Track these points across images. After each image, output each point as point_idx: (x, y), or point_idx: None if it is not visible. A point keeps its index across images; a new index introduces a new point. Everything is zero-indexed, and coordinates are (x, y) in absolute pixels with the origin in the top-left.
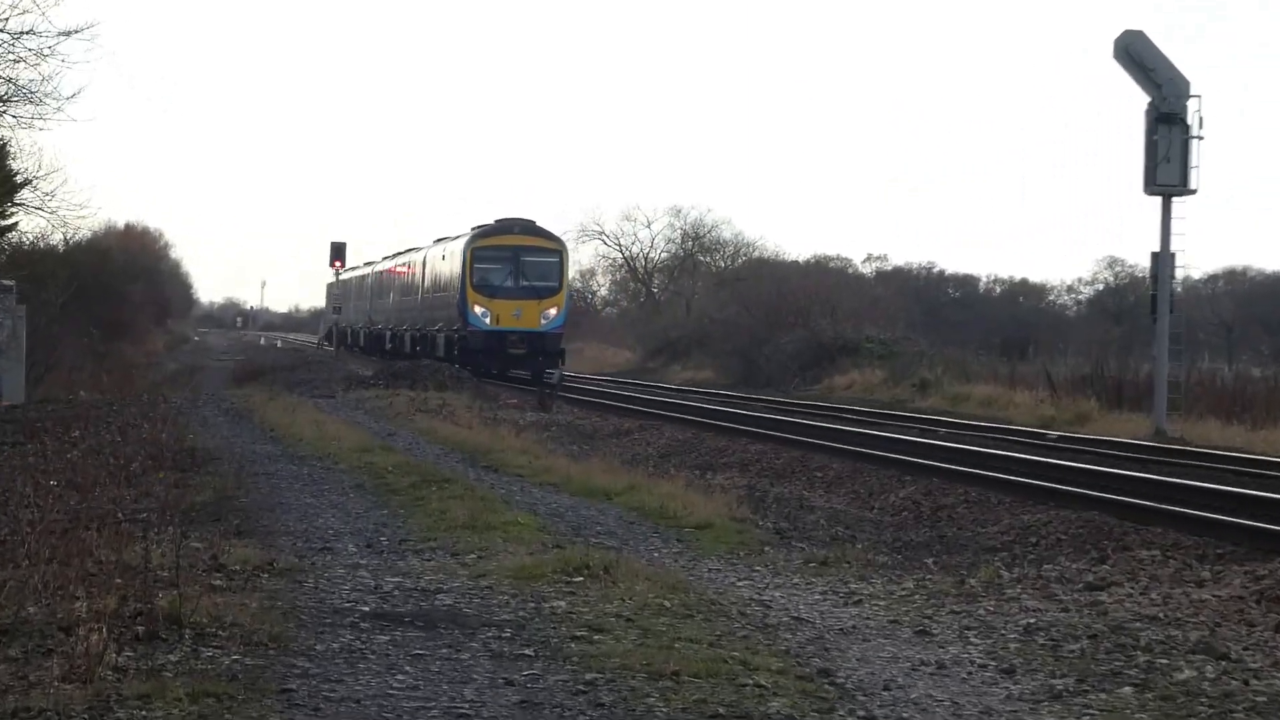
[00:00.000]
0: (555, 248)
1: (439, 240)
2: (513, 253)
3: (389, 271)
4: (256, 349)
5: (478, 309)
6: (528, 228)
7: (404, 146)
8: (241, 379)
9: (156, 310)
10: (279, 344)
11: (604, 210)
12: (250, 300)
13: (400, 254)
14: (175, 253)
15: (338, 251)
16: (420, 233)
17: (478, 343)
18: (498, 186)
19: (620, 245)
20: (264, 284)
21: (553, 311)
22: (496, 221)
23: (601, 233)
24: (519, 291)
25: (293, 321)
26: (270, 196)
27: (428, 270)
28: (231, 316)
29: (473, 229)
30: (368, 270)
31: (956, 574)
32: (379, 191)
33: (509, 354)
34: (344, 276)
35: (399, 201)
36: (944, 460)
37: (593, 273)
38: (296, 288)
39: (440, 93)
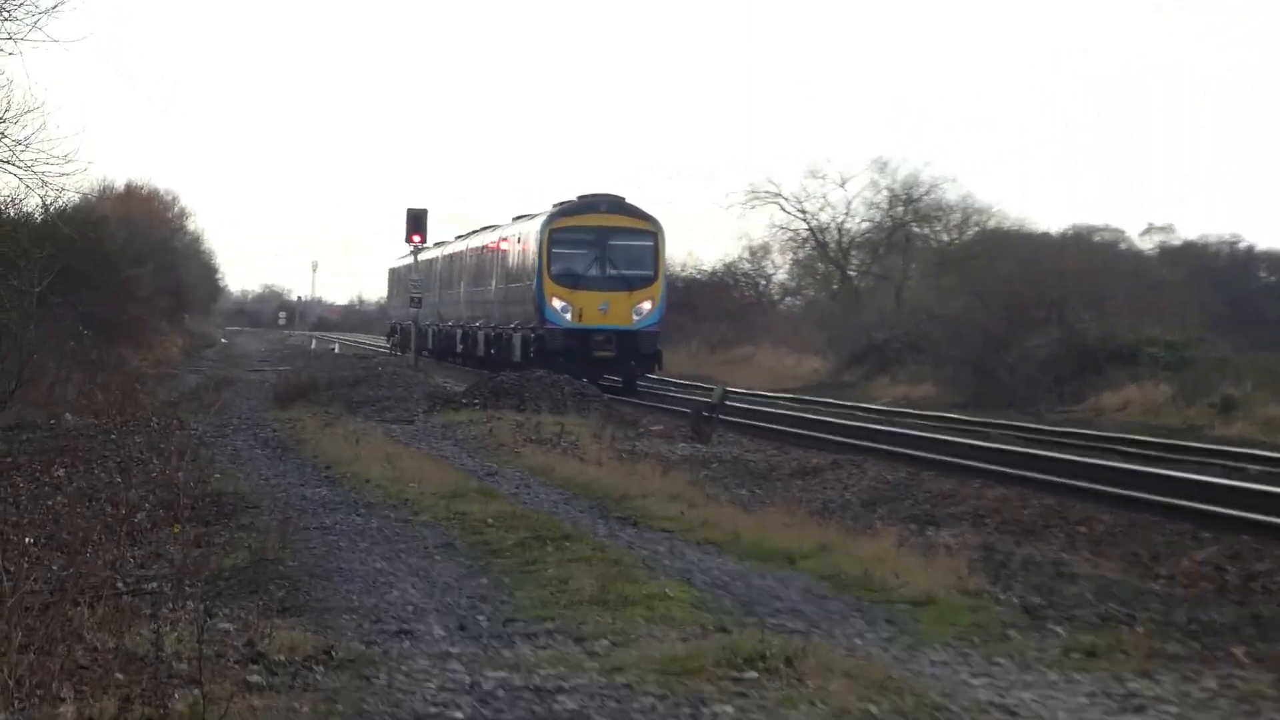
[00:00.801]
0: (648, 228)
1: (517, 218)
2: (598, 235)
3: (459, 255)
4: (306, 355)
5: (556, 303)
6: (616, 205)
7: (484, 102)
8: (286, 397)
9: (170, 303)
10: (335, 348)
11: (782, 167)
12: (297, 289)
13: (473, 233)
14: (194, 224)
15: (416, 221)
16: (506, 207)
17: (556, 343)
18: (622, 139)
19: (804, 212)
20: (315, 267)
21: (646, 305)
22: (579, 198)
23: (778, 195)
24: (606, 282)
25: (355, 317)
26: (323, 155)
27: (503, 255)
28: (272, 311)
29: (553, 206)
30: (436, 253)
31: (1278, 669)
32: (457, 156)
33: (594, 356)
34: (406, 260)
35: (481, 170)
36: (1258, 510)
37: (765, 250)
38: (360, 272)
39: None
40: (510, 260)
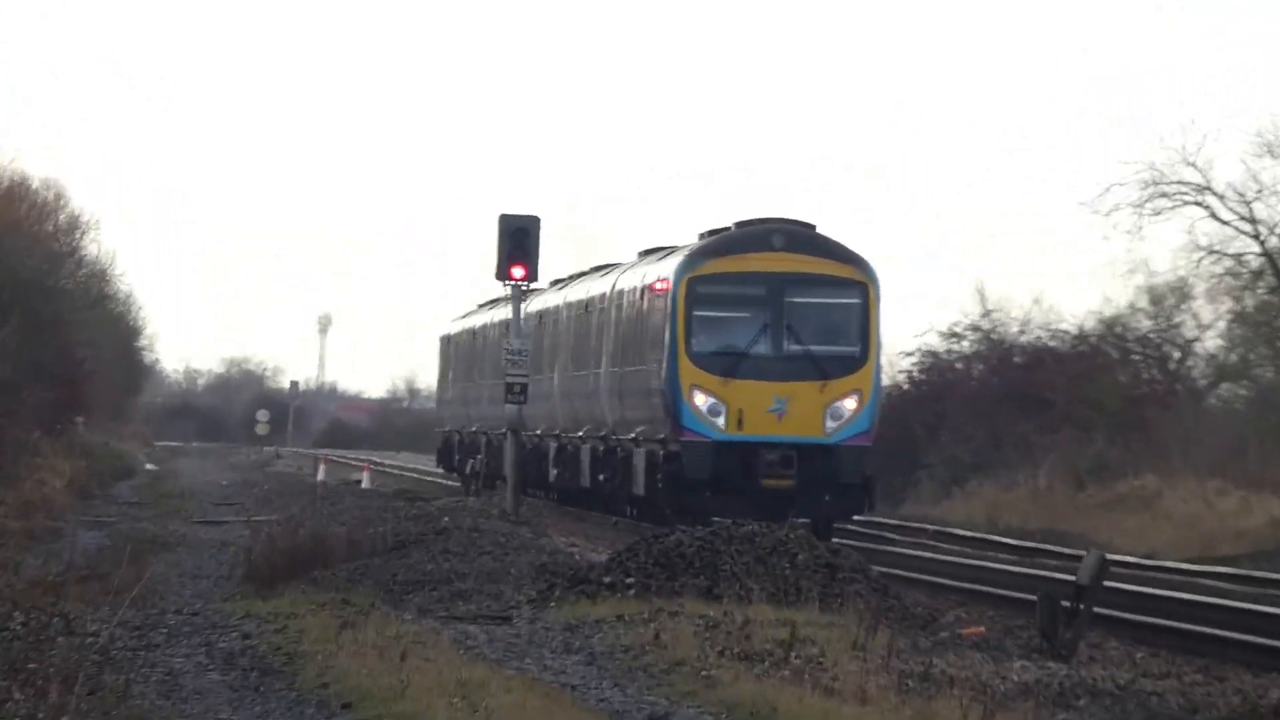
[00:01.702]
0: (854, 276)
1: (644, 254)
2: (769, 288)
3: (549, 315)
4: (307, 494)
5: (700, 399)
6: (798, 239)
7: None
8: (270, 574)
9: (50, 396)
10: (363, 482)
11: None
12: (292, 369)
13: (572, 280)
14: (103, 252)
15: (520, 239)
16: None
17: (698, 466)
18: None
19: (1253, 222)
20: (325, 325)
21: (850, 404)
22: (737, 226)
23: (1204, 188)
24: (783, 365)
25: (402, 419)
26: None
27: (616, 318)
28: (245, 409)
29: (698, 238)
30: (505, 311)
31: None
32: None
33: (761, 487)
34: (480, 318)
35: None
36: None
37: (1182, 292)
38: (402, 340)
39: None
40: (625, 327)
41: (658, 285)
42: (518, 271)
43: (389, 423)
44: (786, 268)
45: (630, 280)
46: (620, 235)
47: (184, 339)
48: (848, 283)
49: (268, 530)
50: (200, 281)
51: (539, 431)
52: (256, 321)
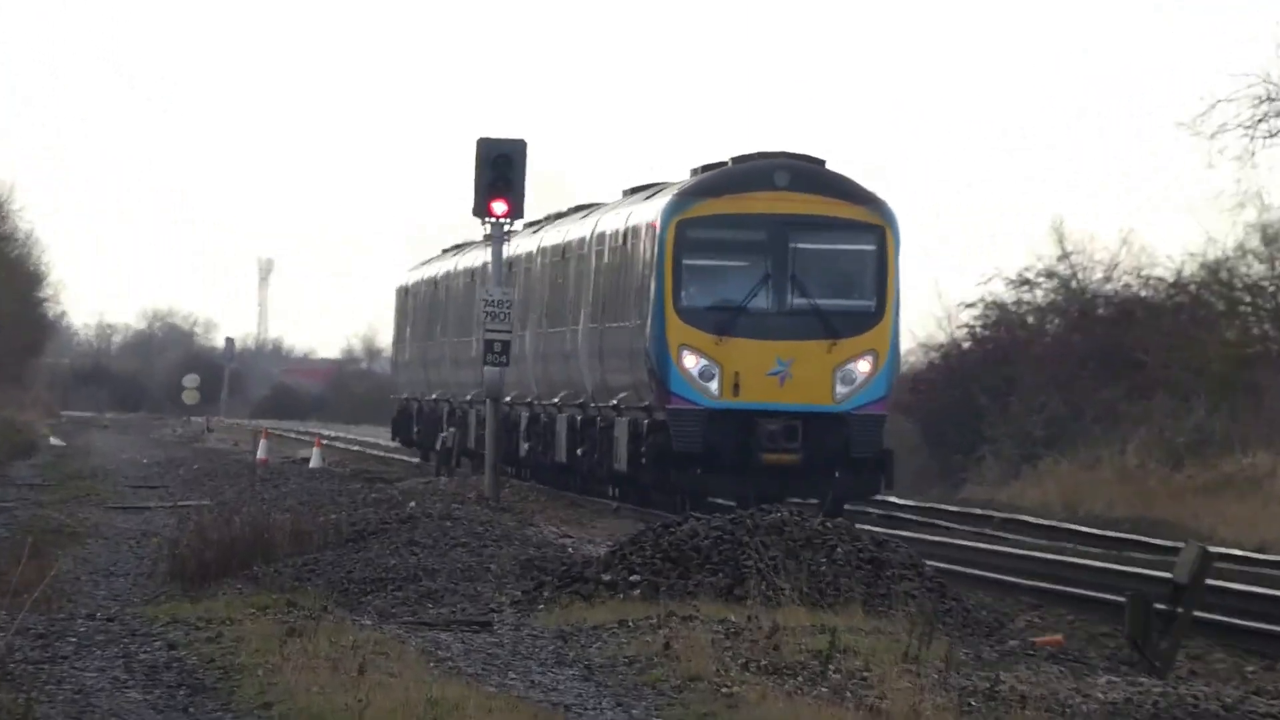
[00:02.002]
0: (868, 218)
1: (629, 193)
2: (769, 231)
3: (521, 262)
4: (245, 474)
5: (690, 360)
6: (805, 175)
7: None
8: (200, 570)
9: None
10: (312, 459)
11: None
12: (228, 324)
13: (548, 221)
14: (6, 189)
15: (502, 166)
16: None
17: (690, 437)
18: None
19: None
20: (267, 270)
21: (863, 366)
22: (734, 161)
23: None
24: (785, 321)
25: (362, 384)
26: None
27: (595, 267)
28: (170, 372)
29: (690, 174)
30: (475, 258)
31: None
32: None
33: (760, 463)
34: (446, 264)
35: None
36: None
37: None
38: (359, 293)
39: None
40: (607, 277)
41: (642, 229)
42: (499, 206)
43: (344, 389)
44: (791, 209)
45: (612, 222)
46: (606, 177)
47: (96, 289)
48: (862, 226)
49: (197, 518)
50: (115, 220)
51: (509, 399)
52: (184, 268)
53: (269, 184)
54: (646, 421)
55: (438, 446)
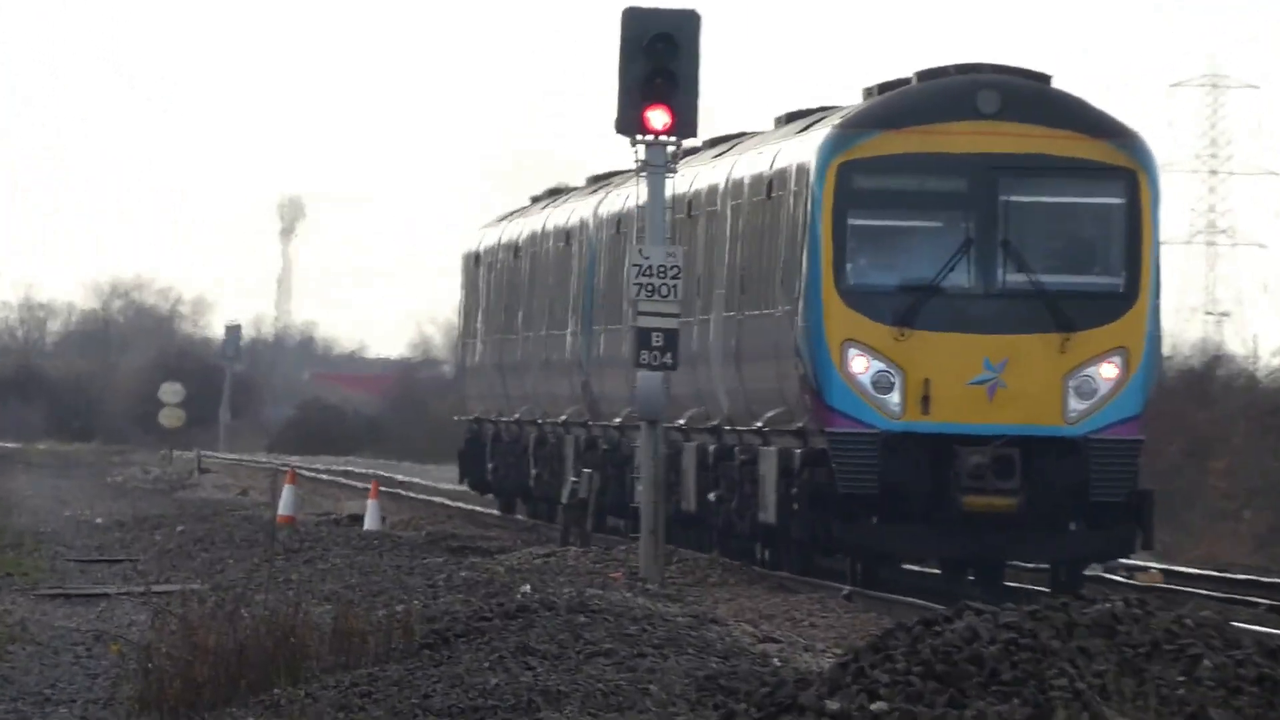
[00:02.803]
0: (1116, 161)
1: (772, 130)
2: (973, 178)
3: (620, 223)
4: (257, 540)
5: (859, 364)
6: (1021, 97)
7: None
8: (186, 693)
9: None
10: (369, 514)
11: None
12: (238, 301)
13: (583, 189)
14: None
15: (657, 57)
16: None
17: (859, 473)
18: None
19: None
20: (292, 222)
21: (1110, 371)
22: (919, 78)
23: None
24: (995, 307)
25: (432, 387)
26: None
27: (726, 230)
28: (142, 379)
29: (865, 95)
30: (576, 209)
31: None
32: None
33: (958, 508)
34: (510, 231)
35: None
36: None
37: None
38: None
39: None
40: (744, 245)
41: (791, 175)
42: (658, 117)
43: (413, 405)
44: (1003, 145)
45: (752, 165)
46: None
47: (24, 252)
48: (1106, 170)
49: (183, 612)
50: (58, 152)
51: (615, 420)
52: (161, 219)
53: (296, 95)
54: (799, 452)
55: (563, 497)
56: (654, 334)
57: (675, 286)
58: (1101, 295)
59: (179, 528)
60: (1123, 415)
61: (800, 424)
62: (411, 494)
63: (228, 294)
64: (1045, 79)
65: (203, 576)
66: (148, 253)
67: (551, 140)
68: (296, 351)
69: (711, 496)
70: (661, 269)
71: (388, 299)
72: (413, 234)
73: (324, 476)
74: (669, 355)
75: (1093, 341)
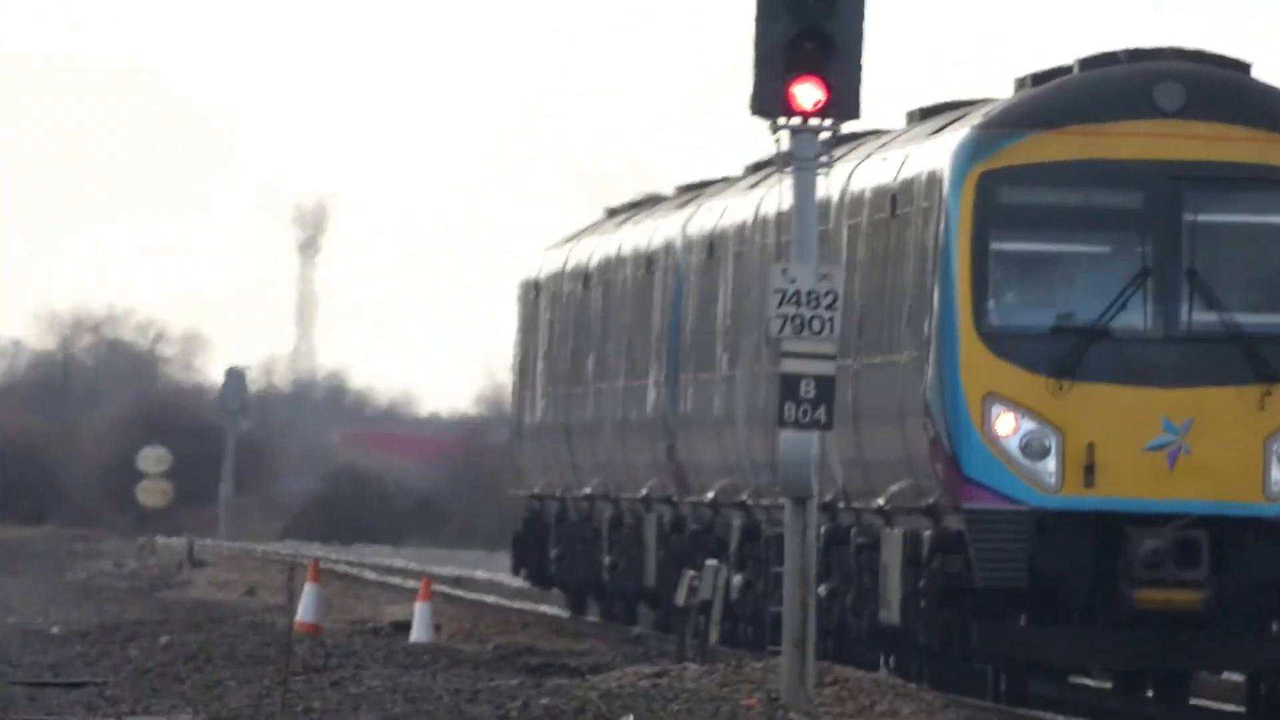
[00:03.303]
0: None
1: (903, 130)
2: (1149, 191)
3: (726, 240)
4: (268, 658)
5: (1005, 424)
6: (1211, 90)
7: None
8: None
9: None
10: (416, 622)
11: None
12: (250, 338)
13: (743, 180)
14: None
15: (805, 14)
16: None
17: (1004, 561)
18: None
19: None
20: (316, 229)
21: None
22: (1081, 66)
23: None
24: (1177, 354)
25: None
26: None
27: (843, 252)
28: (114, 441)
29: (1017, 86)
30: (660, 230)
31: None
32: None
33: (1134, 606)
34: (579, 254)
35: None
36: None
37: None
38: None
39: None
40: (865, 274)
41: (919, 186)
42: (807, 93)
43: (478, 477)
44: (1189, 151)
45: (873, 174)
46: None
47: None
48: None
49: None
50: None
51: (708, 495)
52: (137, 233)
53: (317, 73)
54: (929, 534)
55: (679, 599)
56: (803, 382)
57: (832, 320)
58: None
59: (163, 639)
60: None
61: (930, 500)
62: (475, 594)
63: (230, 329)
64: (1244, 68)
65: (195, 705)
66: (121, 275)
67: (646, 141)
68: (322, 405)
69: (822, 590)
70: (813, 296)
71: (443, 336)
72: (473, 250)
73: (358, 571)
74: (822, 409)
75: None
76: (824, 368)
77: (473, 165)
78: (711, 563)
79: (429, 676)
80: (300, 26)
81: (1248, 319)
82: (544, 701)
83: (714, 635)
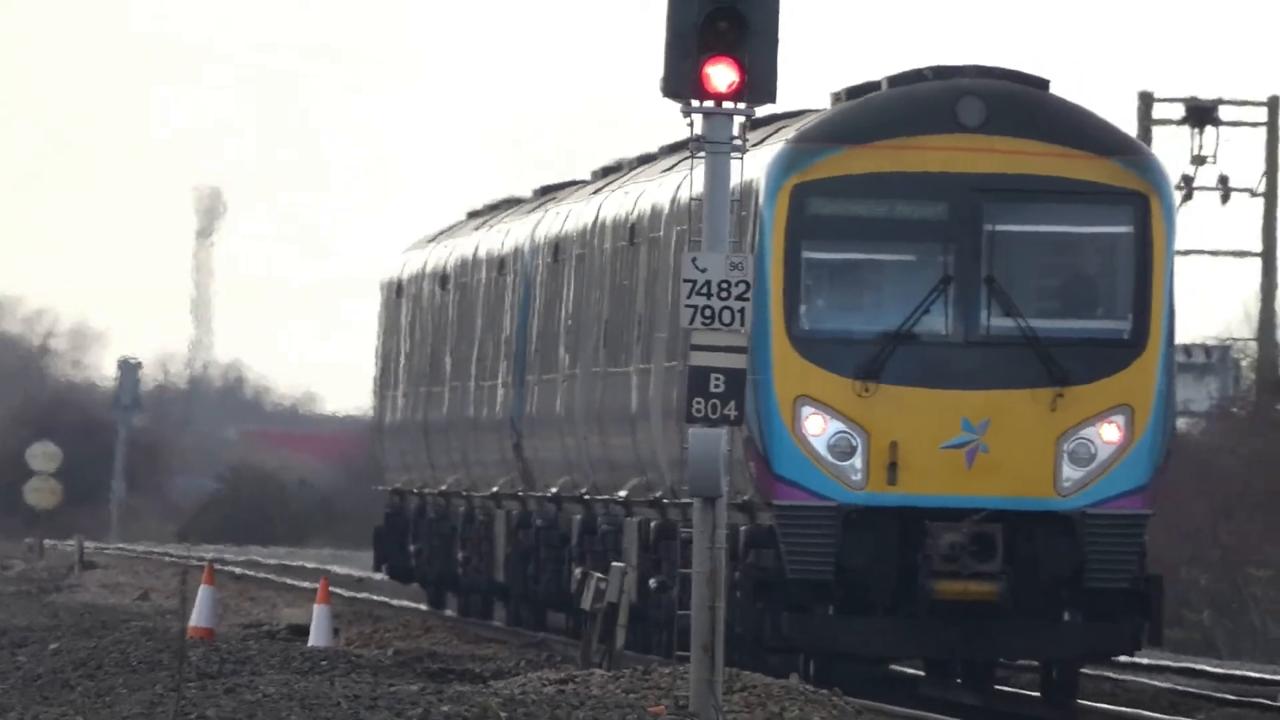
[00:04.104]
0: (1123, 184)
1: (665, 154)
2: (953, 203)
3: (568, 244)
4: (160, 664)
5: (814, 424)
6: (1011, 106)
7: None
8: None
9: None
10: (315, 625)
11: None
12: (144, 328)
13: (592, 184)
14: None
15: None
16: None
17: (813, 554)
18: None
19: None
20: (213, 214)
21: (1111, 433)
22: (890, 83)
23: None
24: (976, 357)
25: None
26: None
27: (670, 260)
28: None
29: (834, 100)
30: (515, 232)
31: None
32: None
33: (935, 597)
34: (438, 255)
35: None
36: None
37: None
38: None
39: None
40: (669, 277)
41: (737, 197)
42: (721, 74)
43: (380, 476)
44: (989, 164)
45: (701, 183)
46: None
47: None
48: (1111, 194)
49: None
50: None
51: (551, 490)
52: (22, 219)
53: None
54: (744, 529)
55: (584, 602)
56: (713, 376)
57: (743, 311)
58: (1103, 343)
59: (51, 646)
60: (1126, 486)
61: (746, 497)
62: (376, 596)
63: (122, 321)
64: (1043, 84)
65: (85, 713)
66: (6, 264)
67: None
68: (219, 402)
69: (652, 583)
70: (724, 286)
71: (346, 330)
72: (381, 239)
73: (255, 573)
74: (732, 405)
75: (1092, 398)
76: (734, 361)
77: (373, 157)
78: (618, 565)
79: (327, 682)
80: (200, 18)
81: (1042, 324)
82: (445, 709)
83: (620, 639)
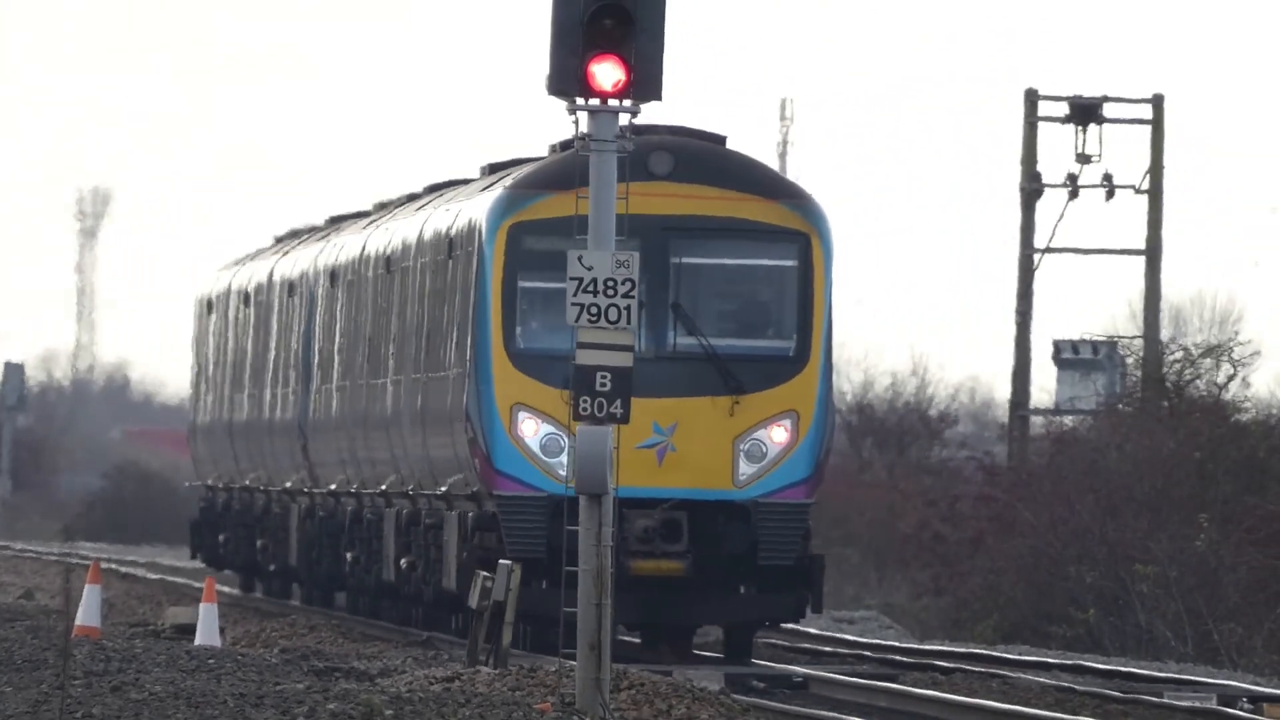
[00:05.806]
0: (788, 224)
1: (477, 179)
2: (645, 240)
3: (344, 272)
4: (44, 663)
5: (528, 428)
6: (695, 160)
7: None
8: None
9: None
10: (201, 623)
11: None
12: (28, 330)
13: (367, 217)
14: None
15: None
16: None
17: (527, 537)
18: None
19: None
20: (98, 213)
21: (779, 435)
22: (582, 137)
23: None
24: (665, 371)
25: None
26: None
27: (416, 287)
28: None
29: (550, 151)
30: (287, 260)
31: None
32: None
33: (631, 573)
34: (245, 276)
35: None
36: None
37: None
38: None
39: None
40: (431, 304)
41: (464, 235)
42: (607, 72)
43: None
44: (675, 207)
45: (440, 220)
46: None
47: None
48: (778, 232)
49: None
50: None
51: (331, 485)
52: None
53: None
54: (472, 515)
55: (471, 600)
56: (599, 375)
57: (629, 309)
58: (772, 359)
59: None
60: (792, 479)
61: (474, 489)
62: (262, 596)
63: (4, 320)
64: (720, 140)
65: None
66: None
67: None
68: (103, 400)
69: (403, 563)
70: (610, 285)
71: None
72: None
73: (141, 573)
74: (619, 403)
75: (763, 405)
76: (621, 359)
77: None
78: (505, 563)
79: (213, 680)
80: (84, 17)
81: (721, 342)
82: (331, 706)
83: (507, 638)
